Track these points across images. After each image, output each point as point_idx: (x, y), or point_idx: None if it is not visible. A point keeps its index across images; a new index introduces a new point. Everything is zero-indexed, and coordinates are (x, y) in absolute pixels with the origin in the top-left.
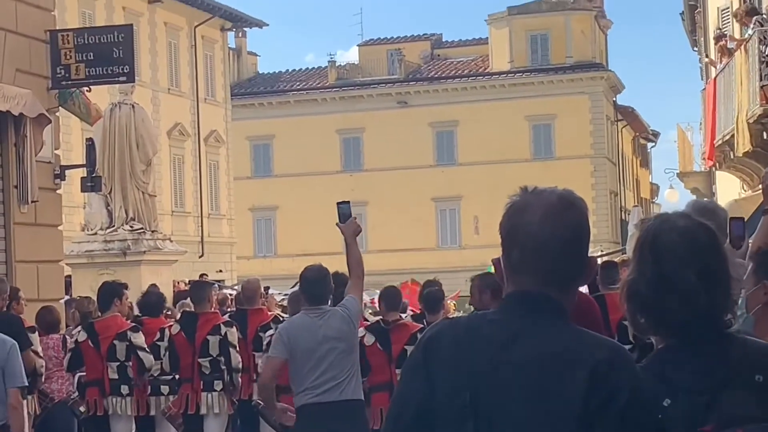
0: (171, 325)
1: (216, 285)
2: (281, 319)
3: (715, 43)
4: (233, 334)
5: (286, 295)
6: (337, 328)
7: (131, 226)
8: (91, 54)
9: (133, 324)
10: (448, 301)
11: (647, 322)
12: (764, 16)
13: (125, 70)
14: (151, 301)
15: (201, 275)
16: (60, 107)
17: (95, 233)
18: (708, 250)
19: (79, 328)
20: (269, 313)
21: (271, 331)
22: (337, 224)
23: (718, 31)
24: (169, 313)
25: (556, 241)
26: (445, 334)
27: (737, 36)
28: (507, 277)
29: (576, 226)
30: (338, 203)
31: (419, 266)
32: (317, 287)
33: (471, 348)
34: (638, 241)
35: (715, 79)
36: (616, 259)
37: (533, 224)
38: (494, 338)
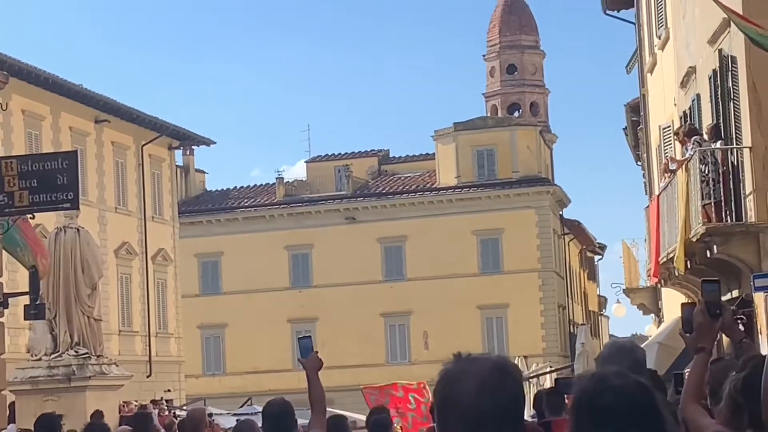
0: None
1: (165, 406)
2: None
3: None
4: None
5: (235, 415)
6: None
7: (76, 351)
8: (35, 181)
9: None
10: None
11: None
12: (704, 136)
13: (69, 197)
14: None
15: (152, 401)
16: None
17: (39, 359)
18: (645, 410)
19: None
20: None
21: None
22: (299, 359)
23: (666, 156)
24: None
25: (496, 412)
26: None
27: (678, 154)
28: None
29: (514, 395)
30: (299, 338)
31: (369, 382)
32: (281, 423)
33: None
34: (574, 402)
35: (658, 197)
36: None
37: (471, 394)
38: None
